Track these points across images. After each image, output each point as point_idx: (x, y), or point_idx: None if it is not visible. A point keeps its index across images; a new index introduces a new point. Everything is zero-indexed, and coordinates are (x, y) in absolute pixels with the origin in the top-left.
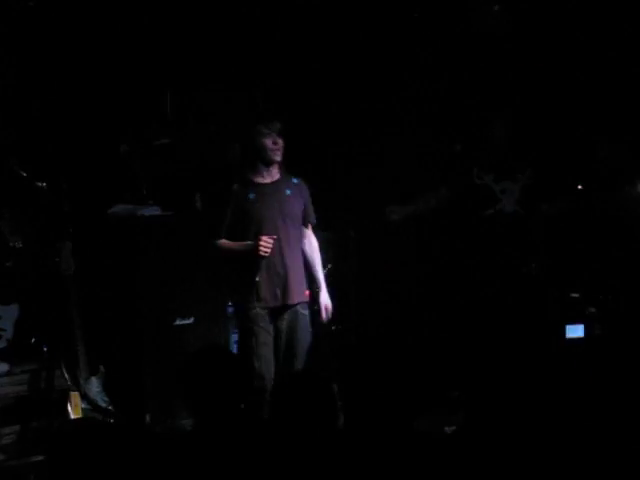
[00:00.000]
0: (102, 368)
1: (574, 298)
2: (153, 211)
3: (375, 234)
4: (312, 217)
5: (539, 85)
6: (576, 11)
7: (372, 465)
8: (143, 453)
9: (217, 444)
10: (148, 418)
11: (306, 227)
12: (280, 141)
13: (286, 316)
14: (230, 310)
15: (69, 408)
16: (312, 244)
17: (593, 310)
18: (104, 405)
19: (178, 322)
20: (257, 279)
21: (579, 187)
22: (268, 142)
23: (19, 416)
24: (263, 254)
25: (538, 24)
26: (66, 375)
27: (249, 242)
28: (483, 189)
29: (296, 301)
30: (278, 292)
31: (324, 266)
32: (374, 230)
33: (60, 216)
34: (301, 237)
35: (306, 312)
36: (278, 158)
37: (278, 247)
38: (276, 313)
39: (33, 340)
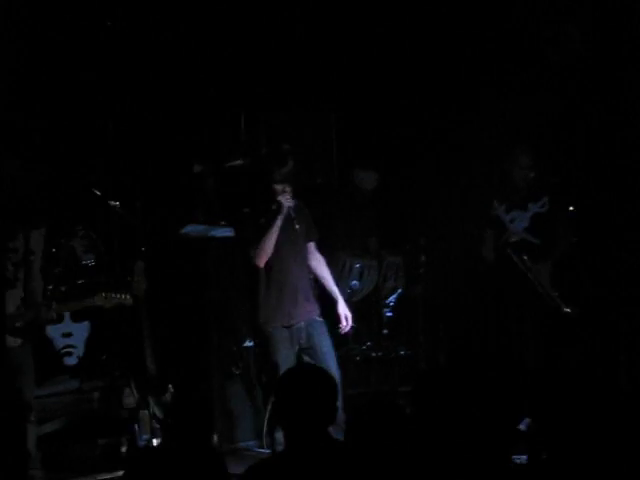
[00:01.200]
0: (171, 388)
1: None
2: (225, 232)
3: (445, 259)
4: (315, 233)
5: (564, 119)
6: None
7: None
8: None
9: (303, 466)
10: (216, 439)
11: (309, 243)
12: (289, 189)
13: (303, 329)
14: None
15: (137, 427)
16: (318, 259)
17: None
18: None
19: (247, 344)
20: (271, 300)
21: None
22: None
23: (87, 433)
24: (287, 204)
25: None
26: (135, 394)
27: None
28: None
29: (308, 317)
30: (292, 311)
31: (394, 291)
32: (445, 255)
33: (133, 235)
34: (307, 255)
35: (321, 319)
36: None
37: (287, 268)
38: (293, 329)
39: (104, 358)
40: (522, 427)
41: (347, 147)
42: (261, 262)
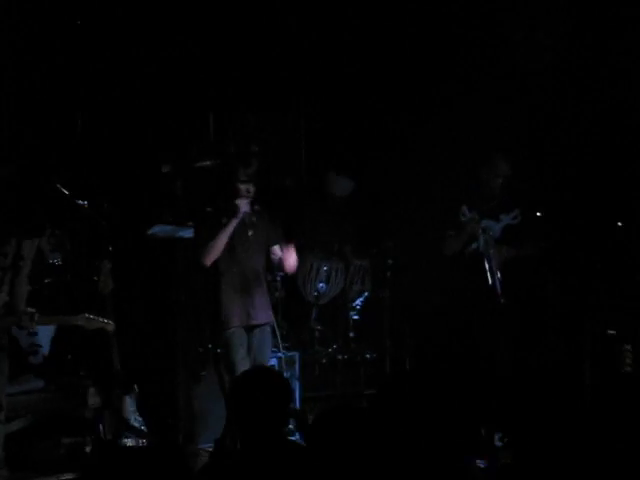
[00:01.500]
0: (136, 388)
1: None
2: (192, 233)
3: (412, 262)
4: (278, 237)
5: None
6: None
7: None
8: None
9: (259, 468)
10: (181, 439)
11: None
12: (253, 189)
13: (255, 335)
14: None
15: (101, 427)
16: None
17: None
18: (137, 425)
19: (211, 345)
20: (230, 301)
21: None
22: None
23: (52, 432)
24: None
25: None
26: (100, 394)
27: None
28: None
29: (264, 321)
30: (251, 312)
31: (361, 294)
32: (411, 258)
33: (100, 235)
34: (263, 261)
35: (270, 330)
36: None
37: (242, 272)
38: (249, 331)
39: (69, 357)
40: (497, 443)
41: (316, 149)
42: (207, 261)
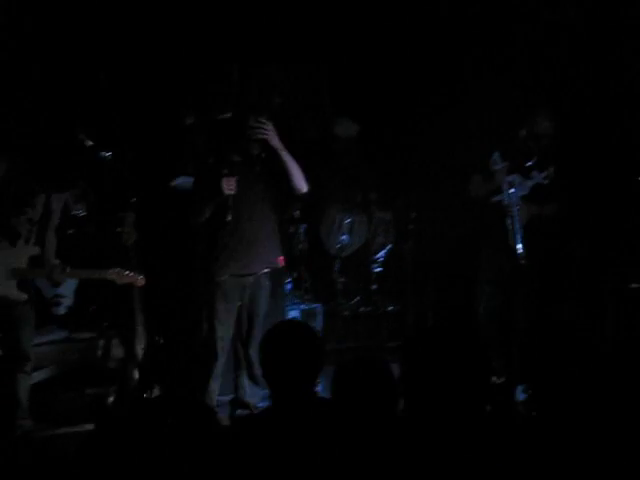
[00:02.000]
0: (160, 340)
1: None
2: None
3: (435, 214)
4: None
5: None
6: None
7: (432, 449)
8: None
9: (290, 425)
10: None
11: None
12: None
13: (248, 287)
14: (289, 287)
15: (125, 377)
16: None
17: None
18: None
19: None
20: (226, 249)
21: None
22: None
23: (75, 383)
24: (227, 191)
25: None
26: (124, 345)
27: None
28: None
29: (259, 270)
30: (245, 260)
31: (384, 247)
32: (434, 211)
33: (124, 186)
34: (273, 210)
35: (268, 283)
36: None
37: (245, 219)
38: (243, 281)
39: (92, 308)
40: (520, 395)
41: (341, 99)
42: (192, 222)
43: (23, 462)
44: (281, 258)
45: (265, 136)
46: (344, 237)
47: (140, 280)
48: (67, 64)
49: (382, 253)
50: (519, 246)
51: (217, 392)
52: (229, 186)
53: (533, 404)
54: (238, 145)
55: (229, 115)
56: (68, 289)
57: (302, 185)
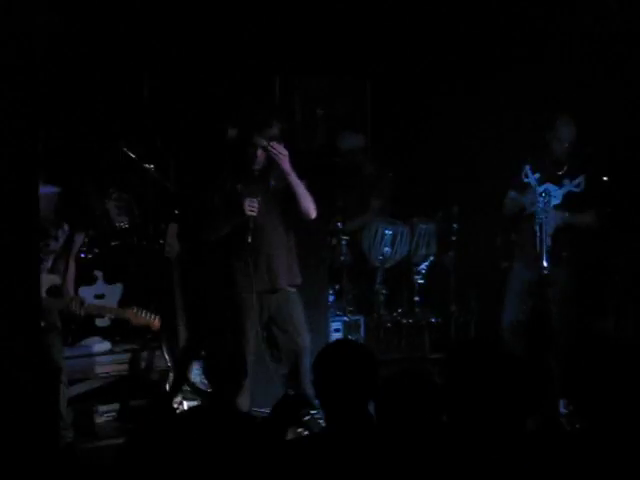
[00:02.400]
0: (203, 352)
1: None
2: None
3: (477, 226)
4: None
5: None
6: None
7: (475, 462)
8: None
9: (346, 445)
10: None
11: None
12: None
13: (273, 299)
14: (331, 299)
15: (168, 389)
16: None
17: None
18: (204, 388)
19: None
20: (245, 266)
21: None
22: (260, 155)
23: (119, 395)
24: (249, 212)
25: None
26: (167, 356)
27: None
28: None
29: (284, 285)
30: (265, 277)
31: (426, 258)
32: (477, 222)
33: (167, 198)
34: (290, 223)
35: (294, 289)
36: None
37: (263, 236)
38: (263, 297)
39: None
40: (562, 410)
41: (382, 114)
42: (204, 239)
43: (66, 474)
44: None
45: (278, 159)
46: (387, 249)
47: (156, 322)
48: (110, 75)
49: (424, 265)
50: (544, 259)
51: (247, 406)
52: (251, 208)
53: (576, 417)
54: (251, 163)
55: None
56: (111, 301)
57: (310, 211)
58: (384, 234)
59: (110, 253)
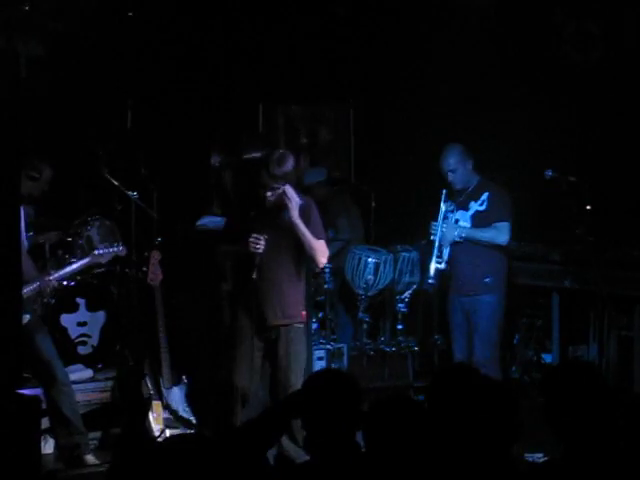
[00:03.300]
0: (184, 378)
1: None
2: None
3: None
4: (316, 235)
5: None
6: None
7: None
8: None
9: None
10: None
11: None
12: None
13: (272, 338)
14: (315, 327)
15: (150, 417)
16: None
17: None
18: (185, 416)
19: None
20: (245, 297)
21: None
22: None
23: (101, 423)
24: (253, 249)
25: None
26: (149, 384)
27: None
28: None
29: (280, 322)
30: (264, 311)
31: (410, 287)
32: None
33: (149, 226)
34: (299, 256)
35: (300, 326)
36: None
37: (270, 269)
38: (263, 329)
39: (118, 348)
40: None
41: (365, 142)
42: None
43: None
44: (303, 313)
45: (289, 204)
46: (369, 277)
47: (122, 249)
48: (95, 103)
49: (408, 293)
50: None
51: None
52: (257, 245)
53: (557, 446)
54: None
55: (257, 155)
56: (94, 328)
57: (320, 259)
58: (367, 262)
59: (93, 280)
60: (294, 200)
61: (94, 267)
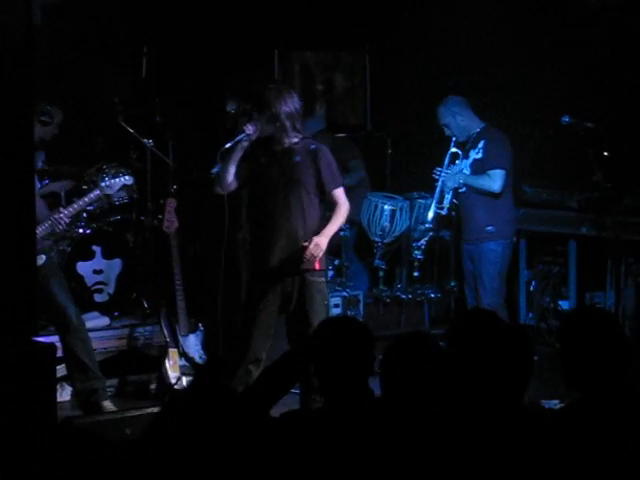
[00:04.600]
0: (201, 326)
1: None
2: None
3: None
4: (331, 183)
5: None
6: None
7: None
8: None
9: (345, 422)
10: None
11: (326, 193)
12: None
13: (290, 283)
14: (330, 275)
15: (167, 364)
16: (336, 209)
17: None
18: (202, 363)
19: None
20: (256, 247)
21: None
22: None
23: (118, 370)
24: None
25: None
26: (165, 331)
27: None
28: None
29: (296, 272)
30: (276, 259)
31: (426, 234)
32: None
33: (165, 173)
34: (313, 205)
35: (315, 279)
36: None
37: (270, 215)
38: (279, 280)
39: (134, 295)
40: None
41: (381, 88)
42: (217, 190)
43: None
44: (317, 263)
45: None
46: (385, 224)
47: (128, 179)
48: (110, 51)
49: (424, 240)
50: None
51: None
52: (248, 128)
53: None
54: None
55: None
56: (110, 276)
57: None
58: (383, 209)
59: (108, 228)
60: (316, 254)
61: (107, 205)
